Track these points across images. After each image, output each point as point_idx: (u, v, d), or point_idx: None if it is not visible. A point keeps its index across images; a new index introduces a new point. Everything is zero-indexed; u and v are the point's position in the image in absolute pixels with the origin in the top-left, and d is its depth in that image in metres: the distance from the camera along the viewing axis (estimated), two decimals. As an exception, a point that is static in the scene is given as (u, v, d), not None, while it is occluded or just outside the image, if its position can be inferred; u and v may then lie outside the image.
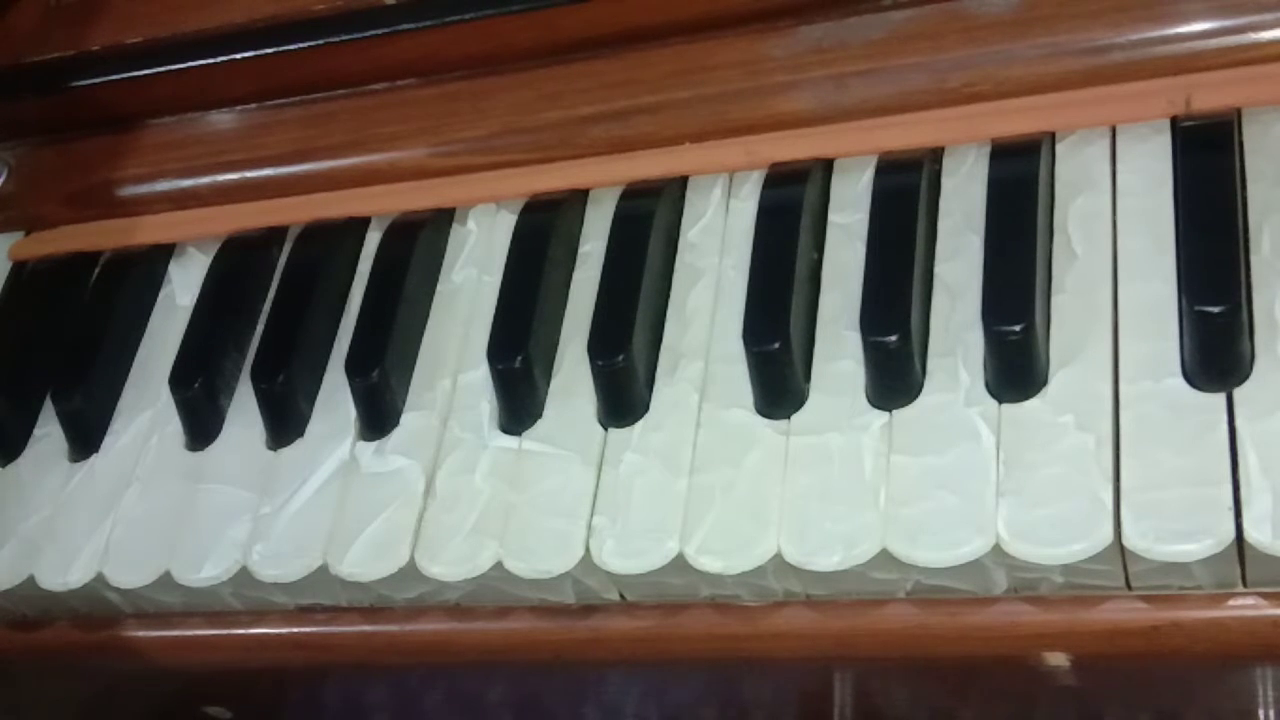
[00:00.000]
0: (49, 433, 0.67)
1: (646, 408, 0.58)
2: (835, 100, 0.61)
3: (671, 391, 0.58)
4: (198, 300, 0.69)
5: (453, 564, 0.57)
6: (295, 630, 0.62)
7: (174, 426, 0.65)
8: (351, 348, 0.63)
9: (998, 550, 0.50)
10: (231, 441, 0.64)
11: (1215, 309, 0.50)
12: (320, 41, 0.69)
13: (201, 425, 0.64)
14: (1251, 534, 0.47)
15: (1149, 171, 0.56)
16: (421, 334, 0.64)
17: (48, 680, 0.70)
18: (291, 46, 0.69)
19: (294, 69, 0.70)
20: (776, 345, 0.55)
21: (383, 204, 0.68)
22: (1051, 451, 0.51)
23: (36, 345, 0.71)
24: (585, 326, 0.60)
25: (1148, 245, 0.54)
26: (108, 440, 0.66)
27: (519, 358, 0.59)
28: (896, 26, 0.61)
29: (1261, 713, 0.56)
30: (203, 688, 0.67)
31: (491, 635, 0.59)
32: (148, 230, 0.72)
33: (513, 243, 0.64)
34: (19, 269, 0.75)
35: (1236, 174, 0.54)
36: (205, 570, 0.60)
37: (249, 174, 0.71)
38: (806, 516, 0.53)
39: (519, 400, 0.59)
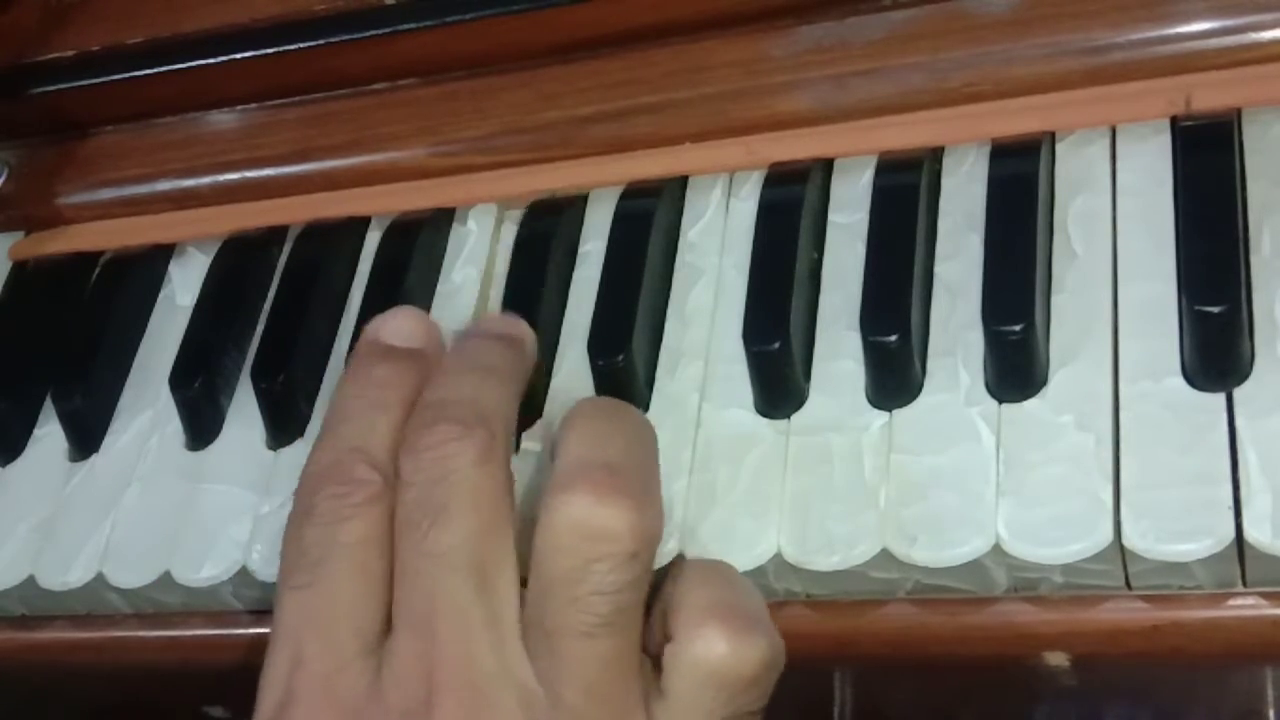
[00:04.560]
0: (49, 432, 0.67)
1: (646, 407, 0.57)
2: (835, 100, 0.61)
3: (671, 391, 0.58)
4: (198, 300, 0.69)
5: (453, 564, 0.56)
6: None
7: (174, 426, 0.65)
8: (352, 347, 0.63)
9: (998, 550, 0.50)
10: (231, 441, 0.63)
11: (1215, 309, 0.50)
12: (320, 41, 0.69)
13: (201, 425, 0.64)
14: (1251, 533, 0.47)
15: (1149, 171, 0.56)
16: (421, 334, 0.63)
17: (46, 680, 0.69)
18: (291, 46, 0.69)
19: (294, 69, 0.70)
20: (776, 345, 0.55)
21: (383, 204, 0.68)
22: (1051, 451, 0.51)
23: (36, 345, 0.71)
24: (585, 326, 0.60)
25: (1148, 245, 0.54)
26: (108, 440, 0.66)
27: (519, 357, 0.59)
28: (896, 26, 0.61)
29: (1263, 713, 0.56)
30: (203, 688, 0.67)
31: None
32: (148, 230, 0.72)
33: (513, 243, 0.64)
34: (19, 269, 0.74)
35: (1236, 174, 0.54)
36: (205, 570, 0.60)
37: (249, 174, 0.71)
38: (806, 516, 0.53)
39: (519, 399, 0.59)
